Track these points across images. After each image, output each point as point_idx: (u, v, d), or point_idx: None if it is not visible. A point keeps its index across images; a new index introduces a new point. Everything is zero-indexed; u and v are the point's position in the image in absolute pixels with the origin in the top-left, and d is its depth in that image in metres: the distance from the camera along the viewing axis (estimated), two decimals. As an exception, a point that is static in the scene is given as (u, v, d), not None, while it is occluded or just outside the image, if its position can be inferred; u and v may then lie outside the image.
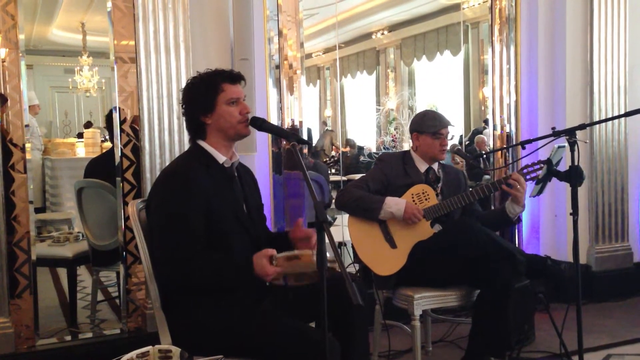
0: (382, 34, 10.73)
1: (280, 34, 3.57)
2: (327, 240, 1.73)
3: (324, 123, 10.69)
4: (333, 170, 8.75)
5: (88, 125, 9.51)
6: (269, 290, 2.19)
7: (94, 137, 7.33)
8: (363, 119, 11.23)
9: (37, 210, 6.68)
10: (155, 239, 2.10)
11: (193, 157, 2.20)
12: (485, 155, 4.53)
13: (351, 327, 2.19)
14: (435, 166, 3.06)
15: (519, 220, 3.39)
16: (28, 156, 3.05)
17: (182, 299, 2.09)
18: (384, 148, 9.88)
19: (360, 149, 10.07)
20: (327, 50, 10.80)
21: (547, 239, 4.26)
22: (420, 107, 10.25)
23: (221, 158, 2.20)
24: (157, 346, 1.85)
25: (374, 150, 10.30)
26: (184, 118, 2.26)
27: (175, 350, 1.84)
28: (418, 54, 10.23)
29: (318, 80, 10.93)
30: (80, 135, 8.50)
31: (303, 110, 3.66)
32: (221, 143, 2.21)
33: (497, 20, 4.21)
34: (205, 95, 2.15)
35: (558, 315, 2.96)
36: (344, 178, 7.07)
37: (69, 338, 3.35)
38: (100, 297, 4.22)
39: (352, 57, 11.67)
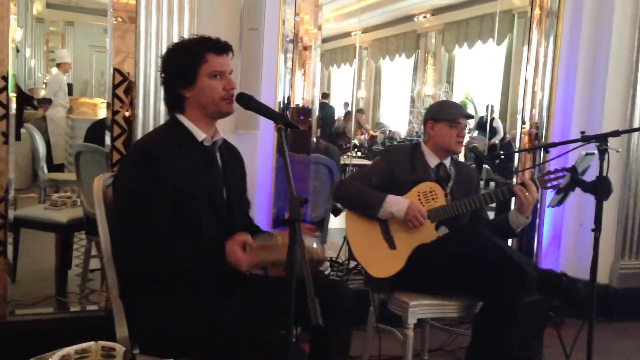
0: (424, 17, 10.35)
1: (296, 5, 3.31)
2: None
3: (346, 104, 10.39)
4: (359, 154, 8.50)
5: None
6: (239, 286, 1.98)
7: (115, 100, 7.17)
8: (398, 103, 10.92)
9: (58, 169, 6.63)
10: (115, 219, 1.90)
11: (167, 131, 2.00)
12: (503, 156, 4.21)
13: (327, 335, 1.97)
14: (447, 162, 2.78)
15: (523, 232, 3.13)
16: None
17: (141, 289, 1.89)
18: (416, 135, 9.60)
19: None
20: (366, 30, 10.47)
21: (569, 251, 3.94)
22: (456, 96, 9.91)
23: (200, 135, 1.98)
24: (100, 342, 1.67)
25: (403, 136, 10.01)
26: None
27: (119, 349, 1.66)
28: (460, 40, 9.82)
29: (355, 60, 10.60)
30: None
31: (316, 89, 3.43)
32: (201, 119, 1.99)
33: (537, 10, 3.86)
34: (185, 65, 1.93)
35: (572, 333, 2.73)
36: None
37: (50, 310, 3.22)
38: (94, 265, 4.09)
39: (391, 38, 11.30)
